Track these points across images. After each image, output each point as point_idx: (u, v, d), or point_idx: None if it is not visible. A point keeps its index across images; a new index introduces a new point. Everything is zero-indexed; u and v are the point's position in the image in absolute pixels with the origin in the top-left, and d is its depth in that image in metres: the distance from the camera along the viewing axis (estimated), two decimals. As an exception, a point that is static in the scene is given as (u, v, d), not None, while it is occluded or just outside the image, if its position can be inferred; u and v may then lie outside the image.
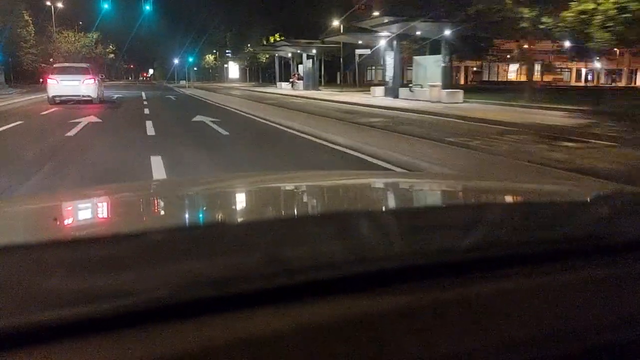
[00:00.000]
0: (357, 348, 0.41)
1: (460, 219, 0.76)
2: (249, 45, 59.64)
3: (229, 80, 69.09)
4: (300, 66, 35.67)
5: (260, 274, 0.48)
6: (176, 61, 68.95)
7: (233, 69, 72.45)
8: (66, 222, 0.83)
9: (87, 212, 0.96)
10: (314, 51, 33.70)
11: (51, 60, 45.75)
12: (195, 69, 76.31)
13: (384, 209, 0.95)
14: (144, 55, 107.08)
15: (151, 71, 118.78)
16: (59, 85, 16.46)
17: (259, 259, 0.52)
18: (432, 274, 0.52)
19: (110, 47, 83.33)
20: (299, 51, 34.38)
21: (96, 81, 17.33)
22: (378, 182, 1.33)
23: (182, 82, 63.02)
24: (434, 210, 0.88)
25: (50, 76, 16.82)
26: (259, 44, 55.17)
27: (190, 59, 55.75)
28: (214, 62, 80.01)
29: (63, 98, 16.49)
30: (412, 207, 0.97)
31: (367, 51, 29.67)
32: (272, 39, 53.77)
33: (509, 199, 1.09)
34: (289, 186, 1.23)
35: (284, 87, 36.39)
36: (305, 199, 1.09)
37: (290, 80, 35.95)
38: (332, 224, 0.69)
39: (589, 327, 0.48)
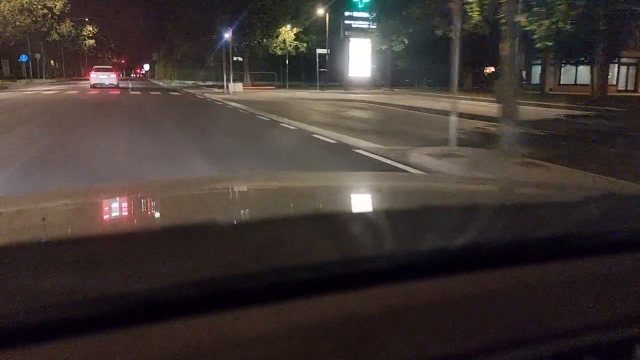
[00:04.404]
0: (347, 348, 0.41)
1: (451, 219, 0.77)
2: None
3: (349, 83, 30.34)
4: None
5: (249, 273, 0.48)
6: (227, 36, 27.20)
7: (360, 61, 31.22)
8: (54, 222, 0.81)
9: (76, 212, 0.95)
10: None
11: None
12: (236, 59, 31.10)
13: (374, 209, 0.95)
14: (142, 43, 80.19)
15: (147, 66, 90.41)
16: (97, 77, 29.63)
17: (248, 259, 0.52)
18: (422, 274, 0.52)
19: (89, 28, 60.52)
20: None
21: (117, 75, 32.09)
22: (371, 183, 1.34)
23: (235, 87, 25.01)
24: (425, 211, 0.88)
25: (92, 72, 30.87)
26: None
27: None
28: (295, 44, 33.97)
29: (98, 85, 28.89)
30: (403, 208, 0.97)
31: None
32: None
33: (499, 199, 1.09)
34: (282, 186, 1.23)
35: None
36: (297, 199, 1.08)
37: None
38: (323, 223, 0.70)
39: (578, 326, 0.48)
